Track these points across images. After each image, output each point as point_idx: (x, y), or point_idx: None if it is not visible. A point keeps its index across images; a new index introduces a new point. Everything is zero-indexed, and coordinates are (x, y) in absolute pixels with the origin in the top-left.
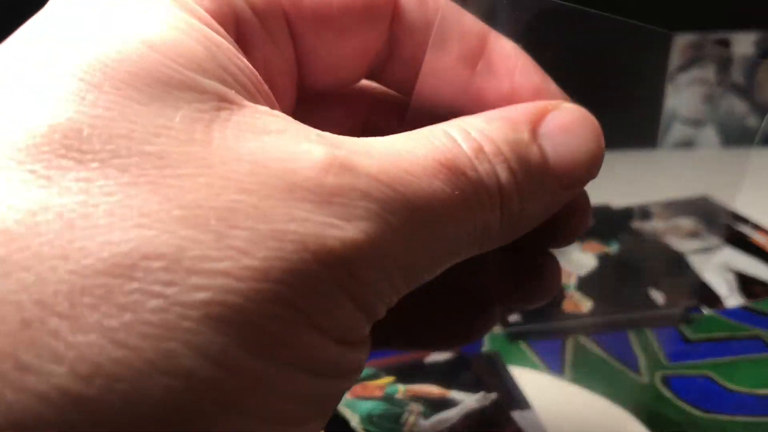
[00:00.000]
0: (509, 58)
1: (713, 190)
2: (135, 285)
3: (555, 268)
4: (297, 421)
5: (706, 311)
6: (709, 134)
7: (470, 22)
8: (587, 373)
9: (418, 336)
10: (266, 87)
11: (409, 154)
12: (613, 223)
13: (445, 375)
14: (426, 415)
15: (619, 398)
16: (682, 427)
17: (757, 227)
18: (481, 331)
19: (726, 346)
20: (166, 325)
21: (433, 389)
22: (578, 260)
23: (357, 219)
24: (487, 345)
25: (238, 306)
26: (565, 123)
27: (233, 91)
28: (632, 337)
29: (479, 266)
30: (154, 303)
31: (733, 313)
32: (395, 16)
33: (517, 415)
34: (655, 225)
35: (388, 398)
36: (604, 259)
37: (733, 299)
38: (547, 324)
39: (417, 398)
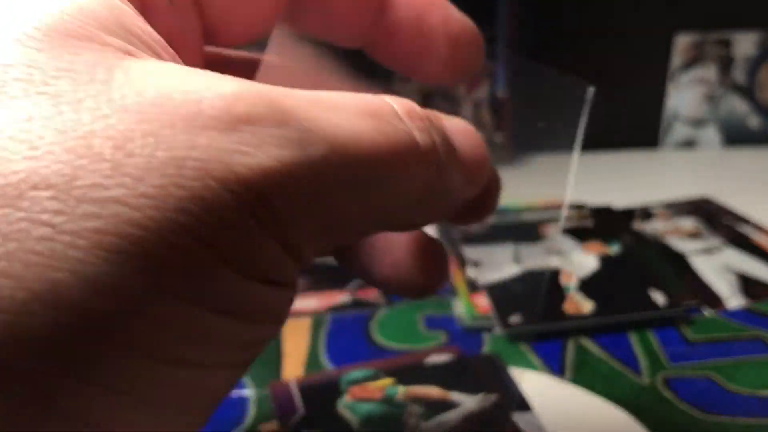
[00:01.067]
0: (417, 6)
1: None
2: (21, 215)
3: (440, 248)
4: (208, 367)
5: (707, 312)
6: (711, 134)
7: None
8: (588, 375)
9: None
10: (172, 51)
11: (331, 98)
12: (614, 224)
13: (445, 377)
14: (426, 417)
15: (620, 400)
16: (684, 428)
17: (758, 228)
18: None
19: (727, 348)
20: (53, 255)
21: (433, 391)
22: (579, 261)
23: (270, 146)
24: (487, 346)
25: (133, 236)
26: (460, 128)
27: (133, 47)
28: (633, 339)
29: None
30: (40, 231)
31: (735, 314)
32: None
33: (517, 417)
34: (656, 226)
35: (388, 400)
36: (605, 260)
37: (734, 300)
38: (548, 325)
39: (417, 400)
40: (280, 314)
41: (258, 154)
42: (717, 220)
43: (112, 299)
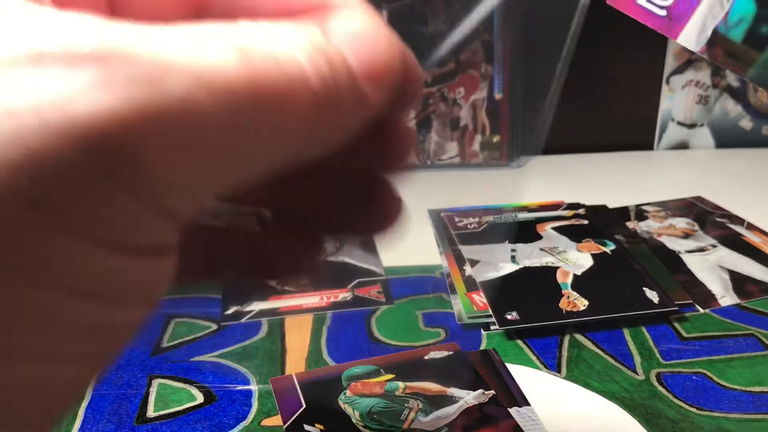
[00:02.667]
0: None
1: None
2: None
3: (388, 192)
4: (56, 358)
5: (700, 310)
6: (704, 136)
7: None
8: (583, 371)
9: (243, 265)
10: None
11: (189, 32)
12: (609, 223)
13: (444, 372)
14: (425, 412)
15: (615, 395)
16: (678, 424)
17: (751, 227)
18: (309, 265)
19: (720, 344)
20: None
21: (432, 386)
22: (575, 260)
23: (118, 85)
24: (485, 343)
25: None
26: (355, 30)
27: None
28: (628, 335)
29: (304, 190)
30: None
31: (728, 311)
32: None
33: (514, 412)
34: (650, 225)
35: (389, 395)
36: (600, 258)
37: (727, 298)
38: (544, 322)
39: (416, 395)
40: (149, 291)
41: (104, 95)
42: (710, 220)
43: None
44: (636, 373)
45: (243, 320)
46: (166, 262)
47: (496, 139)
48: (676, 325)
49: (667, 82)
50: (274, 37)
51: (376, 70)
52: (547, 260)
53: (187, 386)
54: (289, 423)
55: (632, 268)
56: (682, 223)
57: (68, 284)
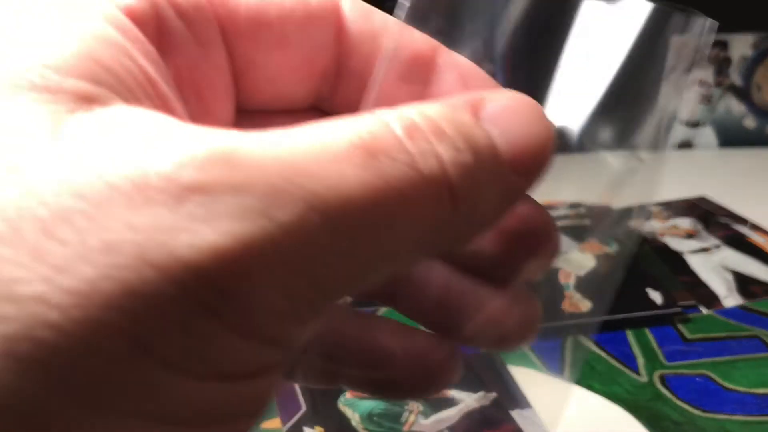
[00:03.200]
0: (462, 75)
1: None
2: None
3: (533, 307)
4: None
5: (704, 311)
6: (708, 135)
7: (419, 38)
8: (586, 373)
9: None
10: (165, 90)
11: (317, 139)
12: (612, 224)
13: None
14: (426, 414)
15: (618, 397)
16: (681, 426)
17: (755, 227)
18: (444, 376)
19: (724, 346)
20: None
21: None
22: (577, 260)
23: (222, 219)
24: None
25: (50, 343)
26: (509, 106)
27: (104, 90)
28: (631, 337)
29: (437, 291)
30: None
31: (731, 312)
32: (339, 28)
33: (516, 414)
34: (653, 225)
35: None
36: (602, 259)
37: (731, 299)
38: (546, 324)
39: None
40: (251, 409)
41: (205, 230)
42: (714, 220)
43: (29, 419)
44: (639, 374)
45: None
46: (271, 379)
47: None
48: (680, 326)
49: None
50: (409, 127)
51: (528, 155)
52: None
53: None
54: (288, 425)
55: (635, 269)
56: (685, 223)
57: (174, 417)
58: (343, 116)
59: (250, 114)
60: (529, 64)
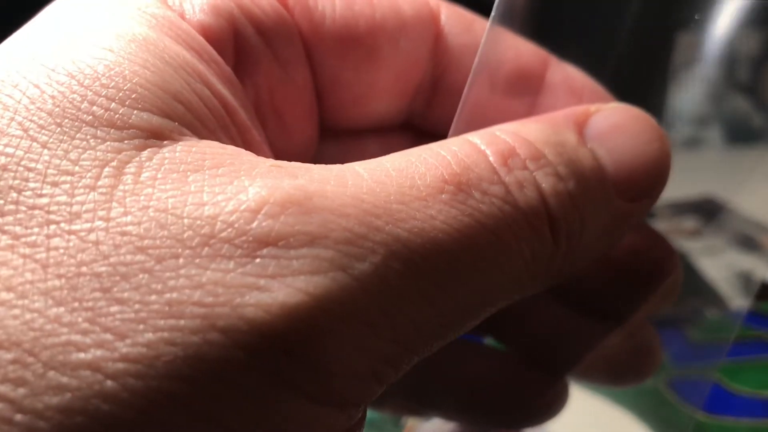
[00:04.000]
0: (573, 87)
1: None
2: None
3: (651, 342)
4: None
5: (710, 313)
6: (714, 134)
7: (524, 48)
8: None
9: (460, 406)
10: (243, 118)
11: (400, 173)
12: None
13: None
14: (426, 418)
15: (623, 401)
16: (686, 430)
17: (762, 228)
18: (547, 411)
19: (732, 349)
20: None
21: None
22: None
23: (296, 275)
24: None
25: (108, 414)
26: (617, 122)
27: (176, 124)
28: None
29: (546, 324)
30: None
31: (739, 314)
32: (437, 40)
33: None
34: (658, 224)
35: None
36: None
37: (737, 301)
38: None
39: None
40: None
41: (277, 288)
42: (720, 220)
43: None
44: None
45: None
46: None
47: None
48: (685, 328)
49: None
50: (503, 153)
51: (640, 176)
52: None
53: None
54: None
55: None
56: (690, 223)
57: None
58: (433, 140)
59: (336, 134)
60: (647, 74)
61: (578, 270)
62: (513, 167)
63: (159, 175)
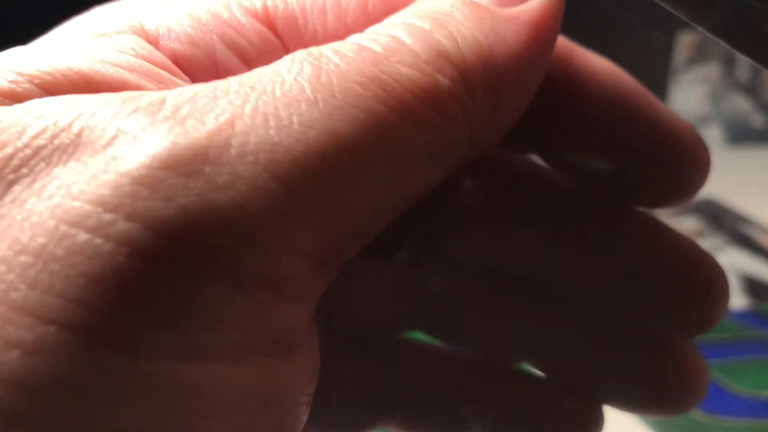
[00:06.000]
0: None
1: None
2: None
3: (697, 365)
4: None
5: None
6: (714, 133)
7: None
8: None
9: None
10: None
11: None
12: None
13: None
14: None
15: None
16: (686, 430)
17: (762, 228)
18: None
19: (731, 348)
20: None
21: None
22: None
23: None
24: None
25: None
26: None
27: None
28: None
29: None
30: None
31: (738, 315)
32: None
33: None
34: None
35: None
36: None
37: (738, 301)
38: None
39: None
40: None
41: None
42: (720, 220)
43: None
44: None
45: None
46: (295, 362)
47: None
48: None
49: (676, 77)
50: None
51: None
52: None
53: None
54: None
55: None
56: (690, 223)
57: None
58: None
59: None
60: None
61: (498, 134)
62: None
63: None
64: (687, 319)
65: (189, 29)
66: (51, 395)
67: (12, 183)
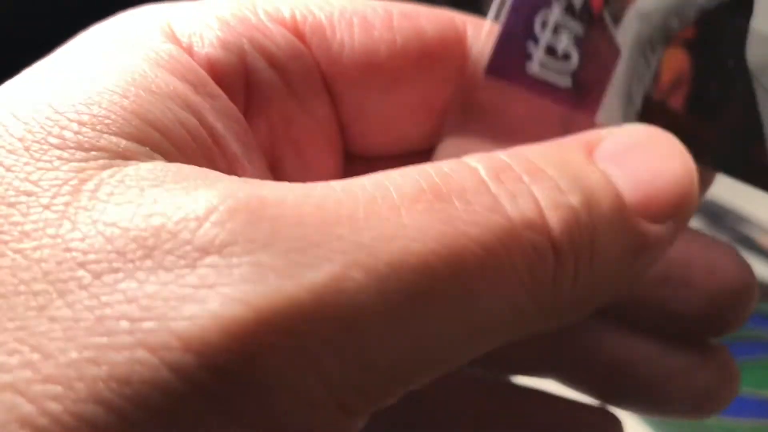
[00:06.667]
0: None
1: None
2: None
3: (729, 365)
4: None
5: None
6: None
7: None
8: None
9: None
10: (234, 149)
11: (375, 185)
12: None
13: None
14: None
15: None
16: (686, 430)
17: (763, 229)
18: None
19: (731, 348)
20: None
21: None
22: None
23: (235, 284)
24: None
25: None
26: (632, 141)
27: (146, 148)
28: None
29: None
30: None
31: None
32: (464, 59)
33: None
34: None
35: None
36: None
37: None
38: None
39: None
40: None
41: (215, 297)
42: (720, 221)
43: None
44: None
45: None
46: None
47: None
48: None
49: None
50: (496, 168)
51: (667, 197)
52: None
53: None
54: None
55: None
56: (691, 223)
57: None
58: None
59: (366, 161)
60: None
61: (592, 309)
62: (505, 180)
63: (116, 191)
64: (718, 317)
65: (220, 33)
66: None
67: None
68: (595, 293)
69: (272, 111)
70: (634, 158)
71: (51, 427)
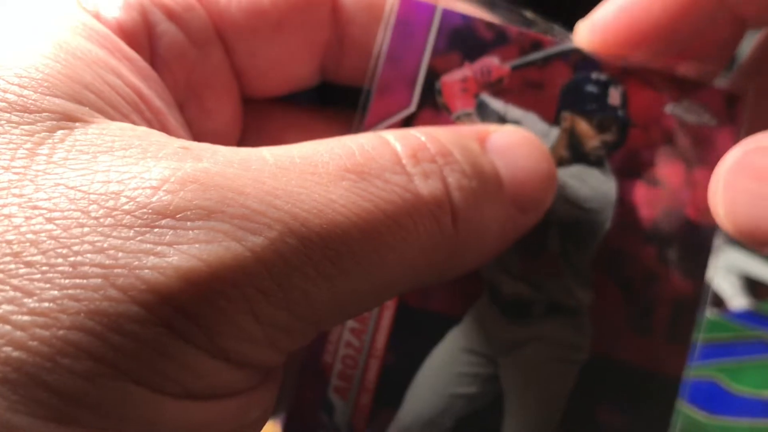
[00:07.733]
0: None
1: None
2: None
3: None
4: None
5: (710, 313)
6: None
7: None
8: None
9: None
10: (158, 105)
11: (305, 160)
12: None
13: None
14: None
15: None
16: (686, 430)
17: None
18: None
19: (731, 348)
20: None
21: None
22: None
23: (191, 243)
24: None
25: (17, 361)
26: (513, 141)
27: (87, 108)
28: None
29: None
30: None
31: (738, 314)
32: (335, 2)
33: None
34: None
35: None
36: None
37: (738, 301)
38: None
39: None
40: (237, 427)
41: (172, 254)
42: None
43: None
44: None
45: None
46: (256, 397)
47: None
48: None
49: None
50: (414, 146)
51: (531, 190)
52: None
53: None
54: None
55: None
56: None
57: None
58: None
59: (259, 104)
60: None
61: (470, 269)
62: (421, 159)
63: (70, 156)
64: None
65: None
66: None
67: None
68: (474, 258)
69: (173, 62)
70: (514, 155)
71: (41, 348)
